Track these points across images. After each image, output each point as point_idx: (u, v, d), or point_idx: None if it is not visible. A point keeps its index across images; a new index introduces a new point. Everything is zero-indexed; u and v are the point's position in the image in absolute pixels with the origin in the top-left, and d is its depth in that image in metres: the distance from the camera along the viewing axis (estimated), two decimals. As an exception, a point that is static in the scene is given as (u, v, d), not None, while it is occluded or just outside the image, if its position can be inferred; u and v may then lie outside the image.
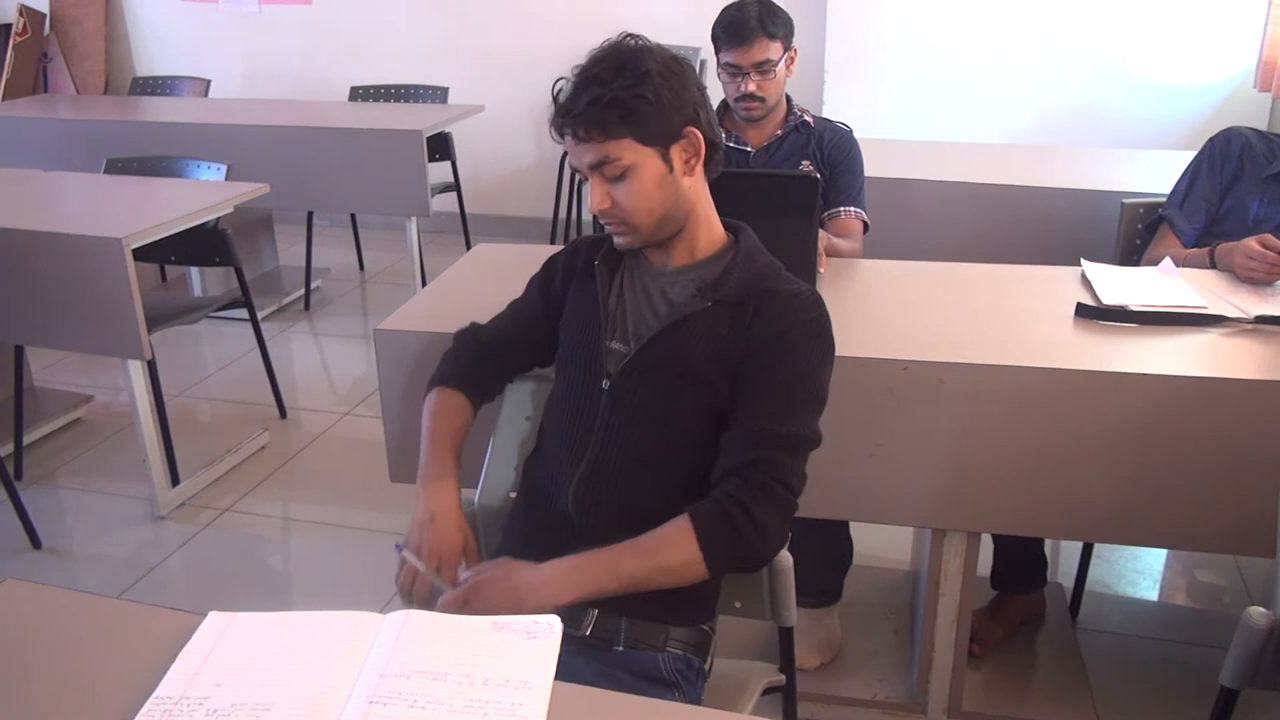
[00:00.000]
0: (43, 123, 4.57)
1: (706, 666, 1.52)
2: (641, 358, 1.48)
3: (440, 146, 4.47)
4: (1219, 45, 4.26)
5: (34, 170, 3.51)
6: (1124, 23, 4.33)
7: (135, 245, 2.74)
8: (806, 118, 2.45)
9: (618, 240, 1.51)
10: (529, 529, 1.56)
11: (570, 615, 1.42)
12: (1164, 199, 2.46)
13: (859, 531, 2.28)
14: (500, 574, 1.38)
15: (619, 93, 1.38)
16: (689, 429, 1.47)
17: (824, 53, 4.63)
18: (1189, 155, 2.49)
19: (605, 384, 1.50)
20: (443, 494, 1.53)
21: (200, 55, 5.69)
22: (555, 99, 1.44)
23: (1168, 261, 2.21)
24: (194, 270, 4.32)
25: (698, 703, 1.46)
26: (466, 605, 1.35)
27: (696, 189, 1.49)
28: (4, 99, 5.49)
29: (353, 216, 5.05)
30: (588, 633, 1.45)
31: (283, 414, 3.56)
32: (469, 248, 2.85)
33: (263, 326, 3.55)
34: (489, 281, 2.12)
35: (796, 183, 2.08)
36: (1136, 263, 2.48)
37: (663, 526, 1.39)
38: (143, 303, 2.75)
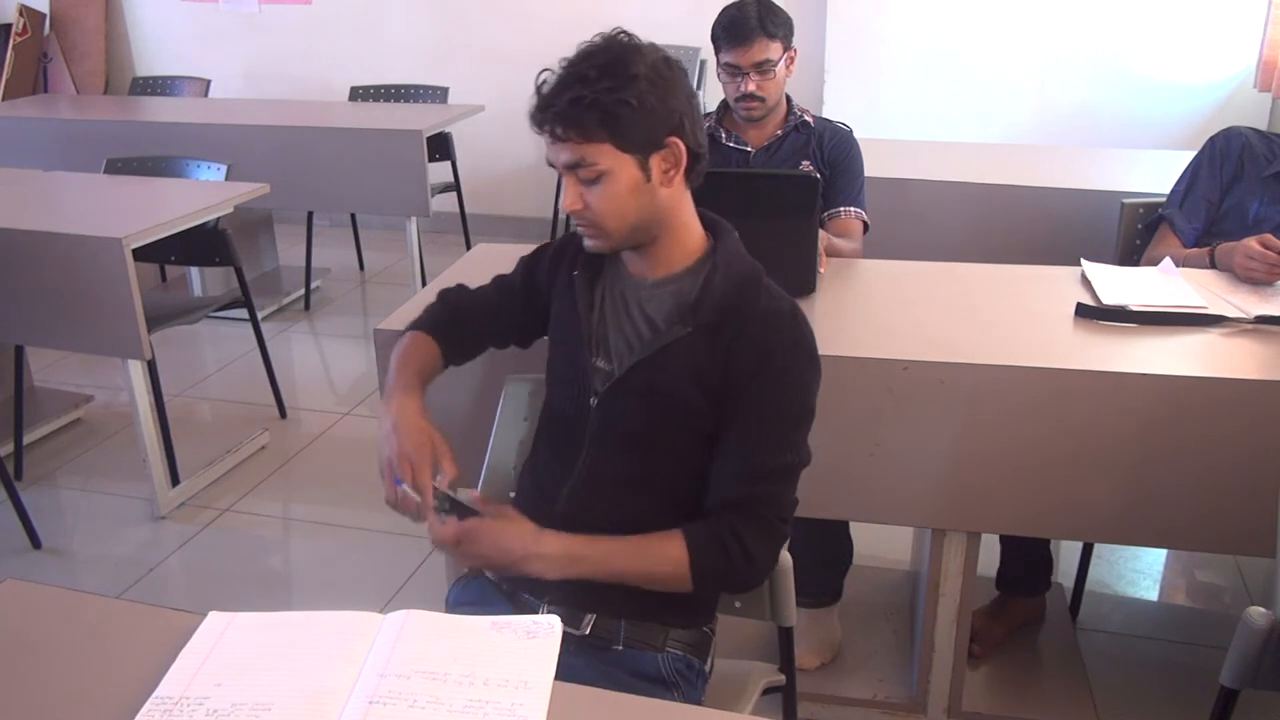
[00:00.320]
0: (43, 123, 4.57)
1: (707, 668, 1.52)
2: (625, 383, 1.46)
3: (440, 146, 4.47)
4: (1219, 45, 4.26)
5: (34, 170, 3.51)
6: (1124, 22, 4.33)
7: (135, 245, 2.74)
8: (806, 118, 2.45)
9: (587, 243, 1.46)
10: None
11: (570, 615, 1.43)
12: (1164, 199, 2.45)
13: (859, 531, 2.28)
14: (498, 527, 1.39)
15: (601, 95, 1.32)
16: (675, 448, 1.46)
17: (824, 53, 4.63)
18: (1189, 155, 2.48)
19: (593, 401, 1.49)
20: (404, 404, 1.48)
21: (200, 55, 5.68)
22: (538, 90, 1.37)
23: (1168, 261, 2.21)
24: (194, 270, 4.32)
25: (698, 703, 1.46)
26: (459, 546, 1.36)
27: (675, 198, 1.43)
28: (4, 99, 5.48)
29: (353, 216, 5.05)
30: (587, 632, 1.45)
31: (283, 414, 3.56)
32: (469, 248, 2.85)
33: (263, 326, 3.55)
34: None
35: (796, 183, 2.08)
36: (1136, 263, 2.48)
37: (660, 536, 1.40)
38: (143, 303, 2.75)
